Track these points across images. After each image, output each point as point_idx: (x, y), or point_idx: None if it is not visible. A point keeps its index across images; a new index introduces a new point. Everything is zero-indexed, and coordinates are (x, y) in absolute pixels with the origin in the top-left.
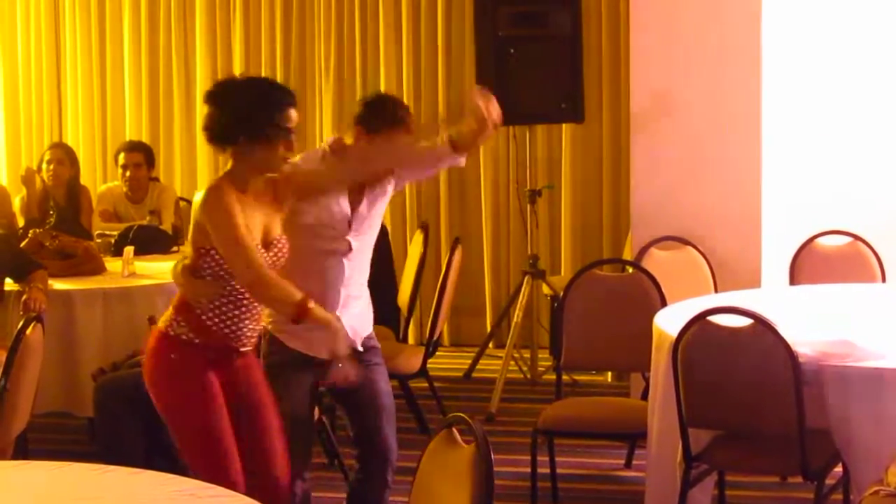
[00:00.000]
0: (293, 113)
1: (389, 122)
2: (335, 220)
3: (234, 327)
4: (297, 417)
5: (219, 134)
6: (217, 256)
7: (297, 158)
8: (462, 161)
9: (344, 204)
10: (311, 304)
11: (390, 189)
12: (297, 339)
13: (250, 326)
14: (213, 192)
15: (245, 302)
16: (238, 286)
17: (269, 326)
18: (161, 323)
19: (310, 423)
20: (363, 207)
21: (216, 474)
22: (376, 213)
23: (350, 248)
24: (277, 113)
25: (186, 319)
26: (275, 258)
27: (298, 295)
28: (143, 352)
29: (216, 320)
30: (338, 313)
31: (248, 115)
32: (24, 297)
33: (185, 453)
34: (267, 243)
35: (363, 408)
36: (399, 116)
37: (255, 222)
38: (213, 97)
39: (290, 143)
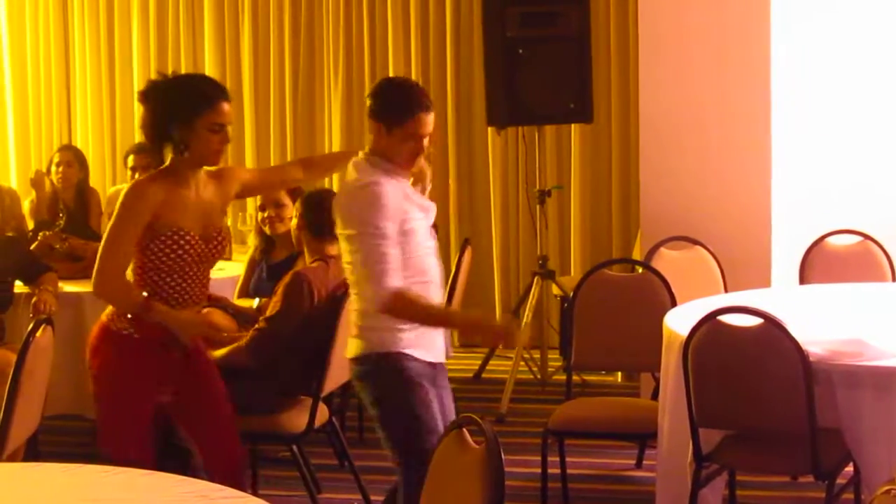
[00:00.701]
0: (224, 106)
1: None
2: (429, 216)
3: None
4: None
5: (153, 132)
6: (154, 249)
7: None
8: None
9: (426, 200)
10: (154, 303)
11: None
12: (416, 348)
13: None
14: (132, 189)
15: (186, 292)
16: (178, 280)
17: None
18: (104, 316)
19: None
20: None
21: (121, 458)
22: None
23: (434, 242)
24: (207, 108)
25: (126, 315)
26: (213, 251)
27: (140, 296)
28: None
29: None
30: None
31: (178, 110)
32: (34, 299)
33: (101, 435)
34: (206, 236)
35: None
36: (424, 104)
37: (195, 215)
38: (144, 96)
39: (224, 135)
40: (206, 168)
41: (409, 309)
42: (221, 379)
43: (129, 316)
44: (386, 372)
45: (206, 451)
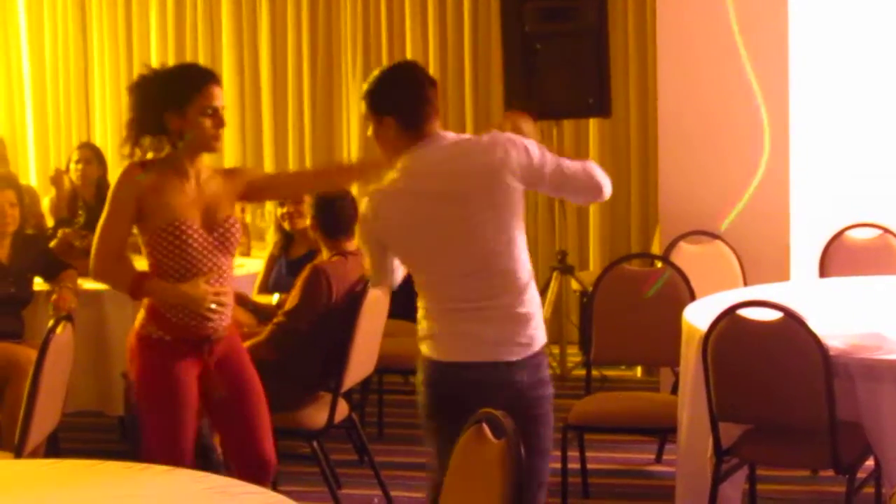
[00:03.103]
0: (214, 89)
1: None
2: None
3: (197, 317)
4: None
5: (146, 122)
6: (155, 245)
7: None
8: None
9: None
10: (149, 280)
11: None
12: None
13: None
14: (121, 173)
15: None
16: (188, 276)
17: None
18: (136, 323)
19: None
20: None
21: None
22: None
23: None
24: (196, 91)
25: (154, 319)
26: (220, 239)
27: (133, 273)
28: None
29: (178, 314)
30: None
31: (168, 100)
32: (54, 296)
33: (149, 445)
34: (210, 226)
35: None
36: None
37: (194, 206)
38: (133, 89)
39: (218, 119)
40: (219, 168)
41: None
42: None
43: (130, 295)
44: None
45: (236, 455)
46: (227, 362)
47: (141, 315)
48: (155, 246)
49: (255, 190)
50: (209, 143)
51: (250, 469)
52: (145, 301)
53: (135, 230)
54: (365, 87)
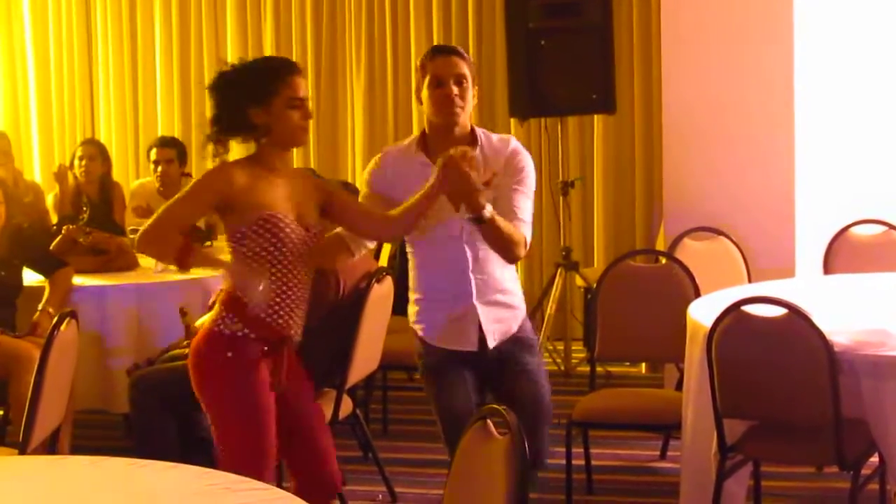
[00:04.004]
0: (299, 80)
1: None
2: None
3: (286, 315)
4: (454, 414)
5: (232, 120)
6: (252, 236)
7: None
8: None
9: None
10: (196, 248)
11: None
12: (439, 337)
13: (299, 313)
14: (215, 167)
15: (293, 286)
16: (284, 270)
17: (419, 331)
18: (208, 321)
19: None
20: None
21: (252, 475)
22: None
23: (462, 230)
24: (281, 83)
25: (238, 314)
26: (312, 240)
27: (178, 242)
28: (178, 346)
29: (269, 311)
30: (474, 301)
31: (254, 94)
32: (36, 316)
33: (225, 450)
34: (302, 223)
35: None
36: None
37: (288, 200)
38: (215, 88)
39: (305, 110)
40: (299, 169)
41: None
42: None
43: (176, 264)
44: None
45: (299, 469)
46: (287, 365)
47: (217, 311)
48: (251, 238)
49: (335, 208)
50: (297, 137)
51: (315, 488)
52: (220, 296)
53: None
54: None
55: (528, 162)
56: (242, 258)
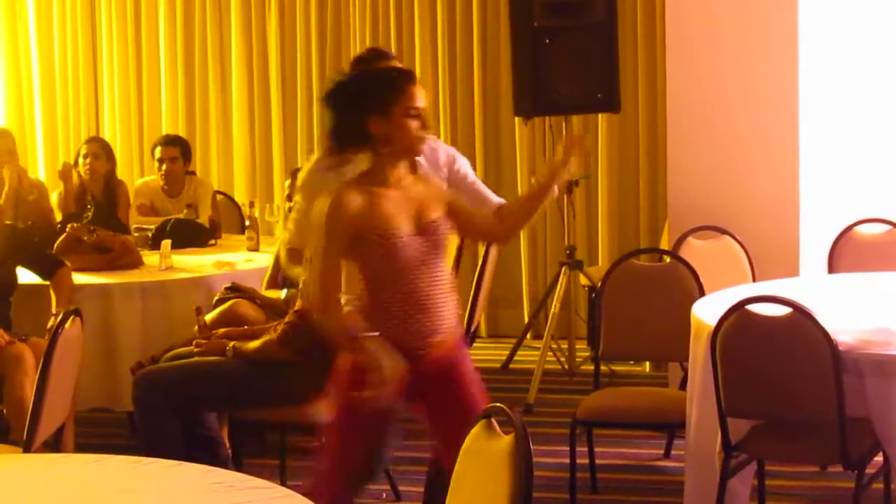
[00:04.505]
0: (417, 90)
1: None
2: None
3: (411, 328)
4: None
5: (351, 131)
6: (369, 257)
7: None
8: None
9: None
10: (364, 336)
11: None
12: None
13: (427, 325)
14: (331, 203)
15: (421, 299)
16: (403, 283)
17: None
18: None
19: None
20: None
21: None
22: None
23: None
24: (401, 93)
25: (373, 321)
26: (429, 242)
27: (349, 325)
28: (184, 344)
29: (392, 321)
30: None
31: (373, 103)
32: (50, 324)
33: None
34: (420, 228)
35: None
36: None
37: (404, 212)
38: (331, 99)
39: (423, 119)
40: (421, 176)
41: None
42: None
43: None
44: None
45: None
46: (445, 379)
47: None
48: (367, 255)
49: (451, 212)
50: (415, 146)
51: None
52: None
53: None
54: None
55: (459, 156)
56: (364, 282)
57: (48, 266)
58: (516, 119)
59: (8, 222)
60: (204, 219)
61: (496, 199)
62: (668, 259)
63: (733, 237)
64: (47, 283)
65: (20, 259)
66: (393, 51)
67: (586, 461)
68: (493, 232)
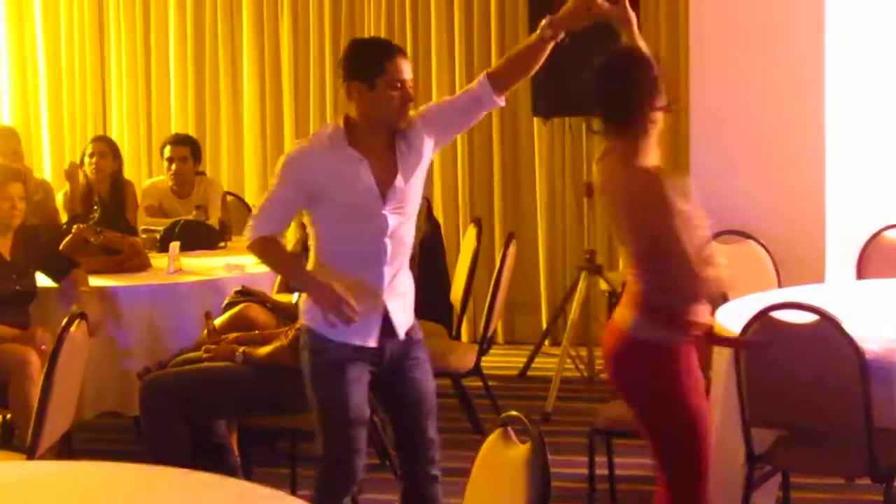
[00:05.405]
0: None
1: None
2: (363, 198)
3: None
4: (360, 418)
5: (629, 108)
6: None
7: None
8: (501, 101)
9: (367, 178)
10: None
11: (427, 155)
12: (343, 331)
13: None
14: (651, 180)
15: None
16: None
17: (310, 323)
18: (621, 323)
19: (363, 427)
20: (398, 181)
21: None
22: (414, 185)
23: (387, 225)
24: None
25: (664, 320)
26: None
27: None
28: (193, 349)
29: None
30: (384, 296)
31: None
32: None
33: (669, 453)
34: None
35: (409, 410)
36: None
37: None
38: (610, 71)
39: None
40: None
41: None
42: None
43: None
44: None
45: None
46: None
47: (629, 314)
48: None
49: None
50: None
51: None
52: (630, 300)
53: None
54: None
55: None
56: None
57: (62, 267)
58: (535, 119)
59: (28, 224)
60: (214, 220)
61: (479, 82)
62: None
63: (758, 241)
64: (56, 285)
65: (37, 263)
66: (408, 48)
67: (605, 472)
68: (486, 92)
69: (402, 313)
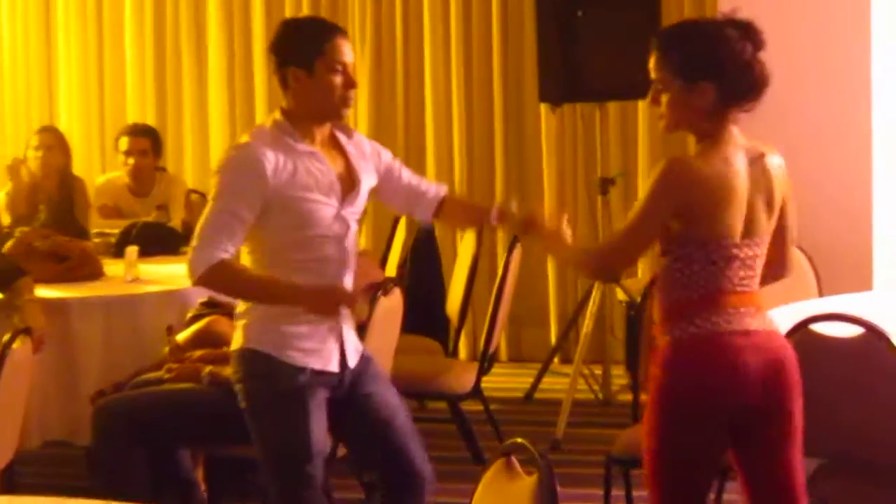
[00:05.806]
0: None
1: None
2: (325, 196)
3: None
4: (318, 450)
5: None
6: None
7: None
8: (429, 221)
9: (329, 173)
10: None
11: (373, 183)
12: (302, 355)
13: None
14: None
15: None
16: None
17: (256, 346)
18: (663, 336)
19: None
20: (356, 177)
21: None
22: (365, 192)
23: (348, 227)
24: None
25: (700, 320)
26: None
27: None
28: (153, 370)
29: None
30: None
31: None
32: (16, 317)
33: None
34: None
35: (380, 432)
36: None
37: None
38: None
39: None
40: None
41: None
42: None
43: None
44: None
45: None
46: None
47: (665, 321)
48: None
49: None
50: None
51: None
52: (662, 306)
53: None
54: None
55: (384, 150)
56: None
57: (7, 276)
58: (542, 106)
59: None
60: (176, 222)
61: (434, 191)
62: None
63: (797, 247)
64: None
65: None
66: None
67: None
68: (428, 203)
69: (353, 335)
